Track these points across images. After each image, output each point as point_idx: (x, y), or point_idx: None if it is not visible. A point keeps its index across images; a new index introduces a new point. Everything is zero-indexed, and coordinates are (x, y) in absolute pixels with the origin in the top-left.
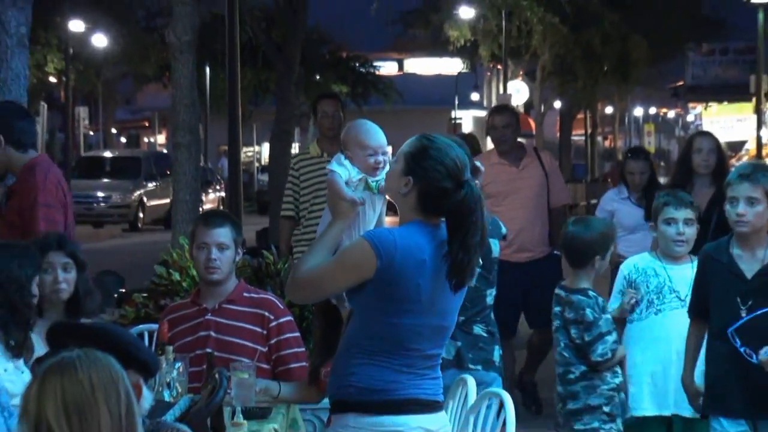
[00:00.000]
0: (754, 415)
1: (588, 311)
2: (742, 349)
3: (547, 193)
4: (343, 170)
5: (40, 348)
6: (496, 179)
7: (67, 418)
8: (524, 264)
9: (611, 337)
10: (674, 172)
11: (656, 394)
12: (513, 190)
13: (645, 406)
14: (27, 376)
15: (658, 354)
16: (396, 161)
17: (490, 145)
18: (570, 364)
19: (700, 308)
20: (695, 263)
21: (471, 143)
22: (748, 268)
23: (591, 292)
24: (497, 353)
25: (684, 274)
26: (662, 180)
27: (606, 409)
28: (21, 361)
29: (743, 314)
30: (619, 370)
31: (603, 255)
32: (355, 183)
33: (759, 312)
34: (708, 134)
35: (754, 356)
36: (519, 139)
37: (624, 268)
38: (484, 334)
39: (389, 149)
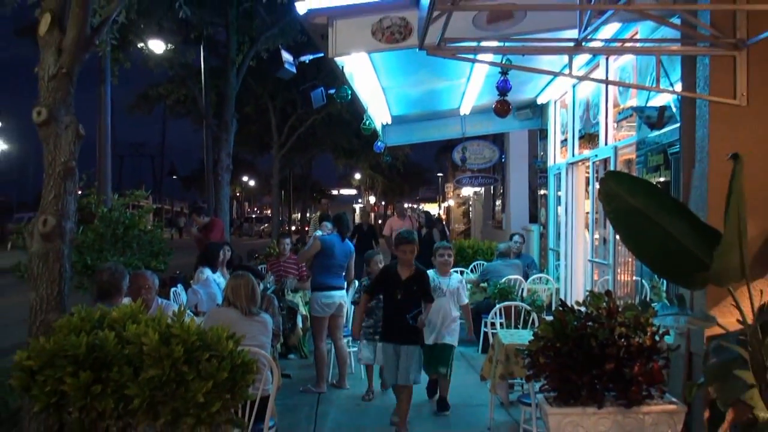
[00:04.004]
0: (399, 341)
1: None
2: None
3: None
4: (319, 233)
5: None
6: (396, 223)
7: (247, 294)
8: None
9: None
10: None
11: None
12: (401, 228)
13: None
14: (222, 279)
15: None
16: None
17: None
18: None
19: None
20: (453, 275)
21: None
22: (402, 276)
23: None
24: None
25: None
26: None
27: None
28: (219, 273)
29: (399, 296)
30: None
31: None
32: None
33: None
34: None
35: (407, 317)
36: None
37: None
38: None
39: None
